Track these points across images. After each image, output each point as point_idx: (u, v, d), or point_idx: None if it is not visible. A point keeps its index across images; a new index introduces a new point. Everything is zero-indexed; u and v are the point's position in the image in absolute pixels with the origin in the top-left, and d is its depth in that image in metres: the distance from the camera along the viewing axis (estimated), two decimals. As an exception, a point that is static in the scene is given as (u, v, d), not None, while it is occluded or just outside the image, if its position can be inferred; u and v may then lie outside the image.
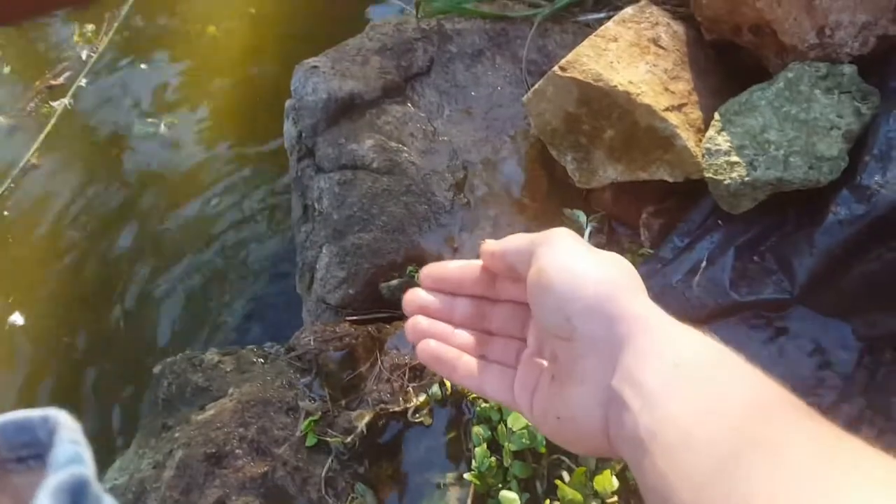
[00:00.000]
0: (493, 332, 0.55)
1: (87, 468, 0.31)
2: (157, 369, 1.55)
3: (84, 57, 2.60)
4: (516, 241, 0.50)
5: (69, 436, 0.32)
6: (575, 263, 0.45)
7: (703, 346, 0.41)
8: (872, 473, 0.30)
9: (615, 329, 0.42)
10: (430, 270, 0.56)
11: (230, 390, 1.42)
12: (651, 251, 1.32)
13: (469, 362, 0.53)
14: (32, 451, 0.32)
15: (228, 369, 1.47)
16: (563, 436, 0.46)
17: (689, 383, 0.39)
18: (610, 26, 1.31)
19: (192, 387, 1.46)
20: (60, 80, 2.60)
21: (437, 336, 0.54)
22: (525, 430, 1.17)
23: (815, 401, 1.12)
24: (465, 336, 0.54)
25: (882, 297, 1.12)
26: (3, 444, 0.32)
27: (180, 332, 1.95)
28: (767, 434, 0.34)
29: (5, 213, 2.26)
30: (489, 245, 0.52)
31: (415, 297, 0.55)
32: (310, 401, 1.35)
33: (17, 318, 2.04)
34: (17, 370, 1.97)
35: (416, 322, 0.55)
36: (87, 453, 0.32)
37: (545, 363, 0.49)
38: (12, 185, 2.32)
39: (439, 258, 1.44)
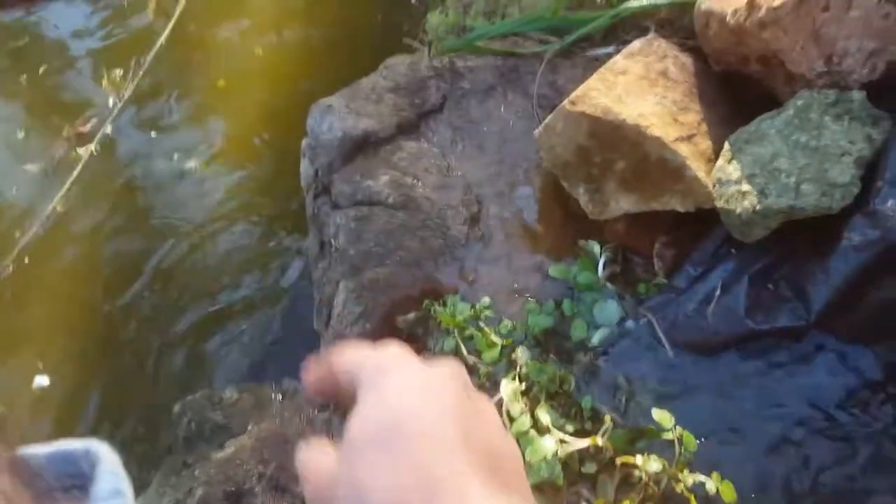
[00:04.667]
0: None
1: (128, 502, 0.32)
2: (177, 408, 1.57)
3: (110, 104, 2.67)
4: (345, 358, 0.41)
5: (111, 468, 0.33)
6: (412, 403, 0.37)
7: None
8: None
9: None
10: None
11: (249, 427, 1.43)
12: (665, 281, 1.32)
13: None
14: (76, 481, 0.33)
15: (247, 406, 1.49)
16: None
17: None
18: (618, 60, 1.33)
19: (211, 424, 1.47)
20: (87, 127, 2.67)
21: None
22: (544, 462, 1.16)
23: (836, 426, 1.11)
24: None
25: (901, 322, 1.11)
26: (51, 474, 0.33)
27: (200, 371, 1.97)
28: None
29: (25, 259, 2.29)
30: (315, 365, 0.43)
31: None
32: (328, 437, 1.35)
33: (42, 381, 2.06)
34: (43, 432, 1.98)
35: None
36: (128, 487, 0.33)
37: None
38: (40, 231, 2.38)
39: (455, 291, 1.45)
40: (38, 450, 0.34)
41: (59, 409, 2.04)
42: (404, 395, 0.37)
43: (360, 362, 0.40)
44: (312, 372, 0.43)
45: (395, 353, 0.40)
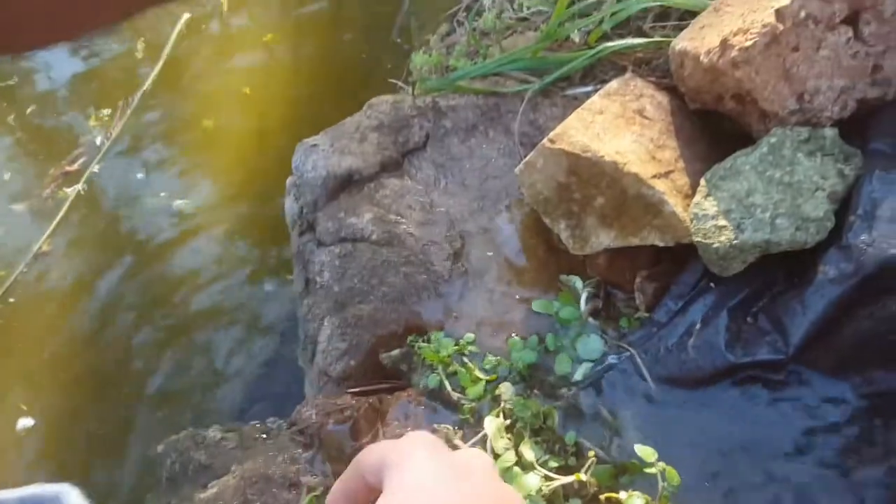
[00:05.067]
0: None
1: None
2: (160, 448, 1.55)
3: (98, 143, 2.69)
4: (369, 456, 0.42)
5: None
6: (431, 496, 0.37)
7: None
8: None
9: None
10: None
11: (233, 467, 1.41)
12: (647, 314, 1.33)
13: None
14: None
15: (231, 446, 1.47)
16: None
17: None
18: (595, 100, 1.36)
19: (195, 465, 1.46)
20: (76, 165, 2.69)
21: None
22: (528, 499, 1.15)
23: (817, 458, 1.11)
24: None
25: (878, 354, 1.13)
26: None
27: (185, 411, 1.95)
28: None
29: (11, 299, 2.28)
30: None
31: None
32: (311, 476, 1.34)
33: (26, 422, 2.04)
34: (28, 473, 1.96)
35: None
36: None
37: None
38: (25, 270, 2.37)
39: (440, 327, 1.46)
40: (10, 494, 0.34)
41: (44, 450, 2.01)
42: (430, 484, 0.37)
43: (384, 455, 0.40)
44: (340, 482, 0.43)
45: (418, 442, 0.40)
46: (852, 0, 1.23)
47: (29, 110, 2.83)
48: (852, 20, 1.25)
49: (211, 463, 1.43)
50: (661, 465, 1.12)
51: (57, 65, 2.97)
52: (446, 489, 0.37)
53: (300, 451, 1.38)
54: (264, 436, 1.45)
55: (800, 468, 1.13)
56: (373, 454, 0.41)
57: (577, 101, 1.51)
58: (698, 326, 1.24)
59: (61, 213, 2.47)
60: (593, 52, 1.56)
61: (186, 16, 2.92)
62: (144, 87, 2.74)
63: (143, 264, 2.32)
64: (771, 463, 1.14)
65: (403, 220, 1.53)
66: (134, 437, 1.99)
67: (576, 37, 1.64)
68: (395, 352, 1.45)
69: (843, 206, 1.17)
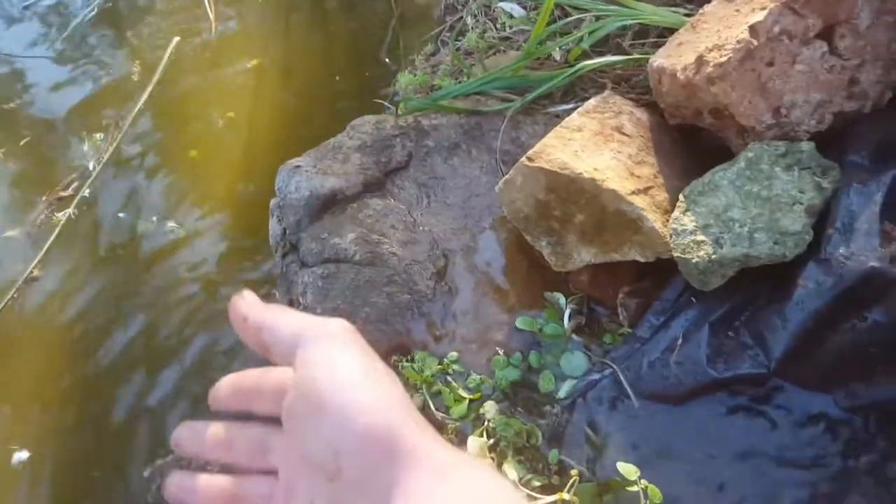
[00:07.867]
0: (243, 466, 0.44)
1: None
2: (146, 473, 1.55)
3: (91, 167, 2.70)
4: (279, 321, 0.41)
5: None
6: (351, 379, 0.37)
7: (493, 480, 0.36)
8: None
9: (392, 470, 0.35)
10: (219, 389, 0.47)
11: (217, 491, 1.40)
12: (630, 330, 1.33)
13: None
14: None
15: (216, 470, 1.46)
16: None
17: None
18: (574, 117, 1.36)
19: (179, 489, 1.45)
20: (69, 191, 2.69)
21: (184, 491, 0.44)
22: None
23: (800, 473, 1.10)
24: (216, 485, 0.44)
25: (859, 366, 1.12)
26: None
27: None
28: None
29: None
30: (242, 305, 0.43)
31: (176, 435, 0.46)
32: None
33: (21, 456, 2.02)
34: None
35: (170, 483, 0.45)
36: None
37: None
38: (16, 295, 2.37)
39: (424, 347, 1.45)
40: None
41: (41, 482, 2.00)
42: (358, 379, 0.38)
43: (302, 329, 0.40)
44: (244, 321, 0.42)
45: (347, 332, 0.41)
46: (826, 14, 1.24)
47: (27, 136, 2.85)
48: (827, 34, 1.26)
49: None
50: (644, 482, 1.11)
51: (57, 87, 3.00)
52: (374, 389, 0.37)
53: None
54: (248, 459, 1.44)
55: (783, 483, 1.12)
56: (285, 324, 0.40)
57: (559, 118, 1.52)
58: (680, 342, 1.23)
59: (51, 239, 2.47)
60: (573, 69, 1.56)
61: (176, 39, 2.95)
62: (133, 112, 2.75)
63: (135, 287, 2.31)
64: (754, 478, 1.13)
65: (386, 240, 1.53)
66: (123, 463, 1.97)
67: (556, 55, 1.65)
68: (380, 372, 1.44)
69: (822, 219, 1.17)
